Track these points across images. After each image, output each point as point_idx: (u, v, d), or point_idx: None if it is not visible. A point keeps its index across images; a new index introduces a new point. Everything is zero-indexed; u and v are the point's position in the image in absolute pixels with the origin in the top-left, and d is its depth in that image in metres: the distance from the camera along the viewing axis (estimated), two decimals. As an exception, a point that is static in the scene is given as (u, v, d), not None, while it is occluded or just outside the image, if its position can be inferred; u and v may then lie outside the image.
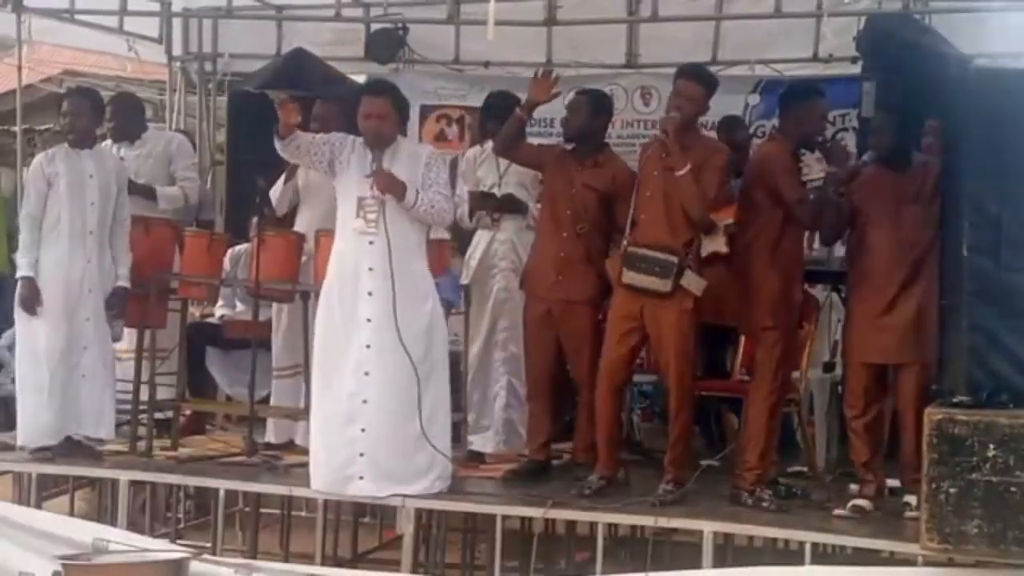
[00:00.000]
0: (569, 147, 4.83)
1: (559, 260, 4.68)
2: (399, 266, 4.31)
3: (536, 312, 4.77)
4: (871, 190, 4.45)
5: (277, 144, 4.44)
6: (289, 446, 5.20)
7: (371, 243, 4.34)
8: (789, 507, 4.42)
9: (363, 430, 4.30)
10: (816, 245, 5.42)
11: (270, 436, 5.32)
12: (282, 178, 5.32)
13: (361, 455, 4.31)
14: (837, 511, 4.32)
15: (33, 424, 4.84)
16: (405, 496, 4.33)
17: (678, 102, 4.44)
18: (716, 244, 5.25)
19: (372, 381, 4.31)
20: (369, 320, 4.32)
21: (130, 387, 5.12)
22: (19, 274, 4.88)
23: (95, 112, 5.06)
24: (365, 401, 4.30)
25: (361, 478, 4.33)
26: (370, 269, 4.33)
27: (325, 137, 4.46)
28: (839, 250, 5.77)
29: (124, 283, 5.00)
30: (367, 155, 4.39)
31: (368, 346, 4.31)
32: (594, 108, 4.80)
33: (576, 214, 4.68)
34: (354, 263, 4.37)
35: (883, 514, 4.32)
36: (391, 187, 4.32)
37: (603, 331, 4.60)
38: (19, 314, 4.90)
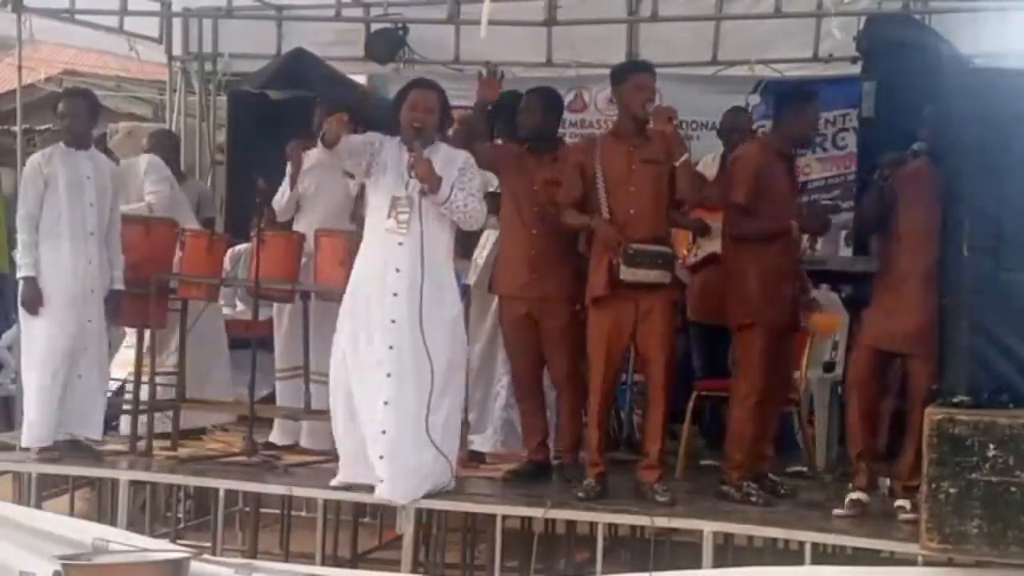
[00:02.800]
0: (524, 146, 4.85)
1: (531, 258, 4.67)
2: (428, 268, 4.27)
3: (514, 313, 4.76)
4: (912, 180, 4.40)
5: (320, 153, 4.40)
6: (293, 448, 5.19)
7: (400, 244, 4.30)
8: (776, 502, 4.44)
9: (384, 432, 4.26)
10: (818, 245, 5.42)
11: (275, 437, 5.31)
12: (284, 184, 5.30)
13: (381, 458, 4.27)
14: (836, 511, 4.32)
15: (38, 425, 4.84)
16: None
17: (650, 95, 4.47)
18: (714, 245, 5.26)
19: (393, 383, 4.26)
20: (394, 321, 4.27)
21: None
22: (20, 274, 4.87)
23: (92, 113, 5.04)
24: (386, 403, 4.26)
25: (381, 481, 4.29)
26: (397, 270, 4.29)
27: (364, 138, 4.41)
28: (843, 250, 5.79)
29: (119, 285, 4.99)
30: (403, 153, 4.36)
31: (391, 347, 4.27)
32: (546, 107, 4.86)
33: (542, 210, 4.68)
34: (382, 264, 4.32)
35: (882, 514, 4.31)
36: (429, 175, 4.28)
37: (580, 327, 4.59)
38: (24, 315, 4.89)
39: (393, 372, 4.27)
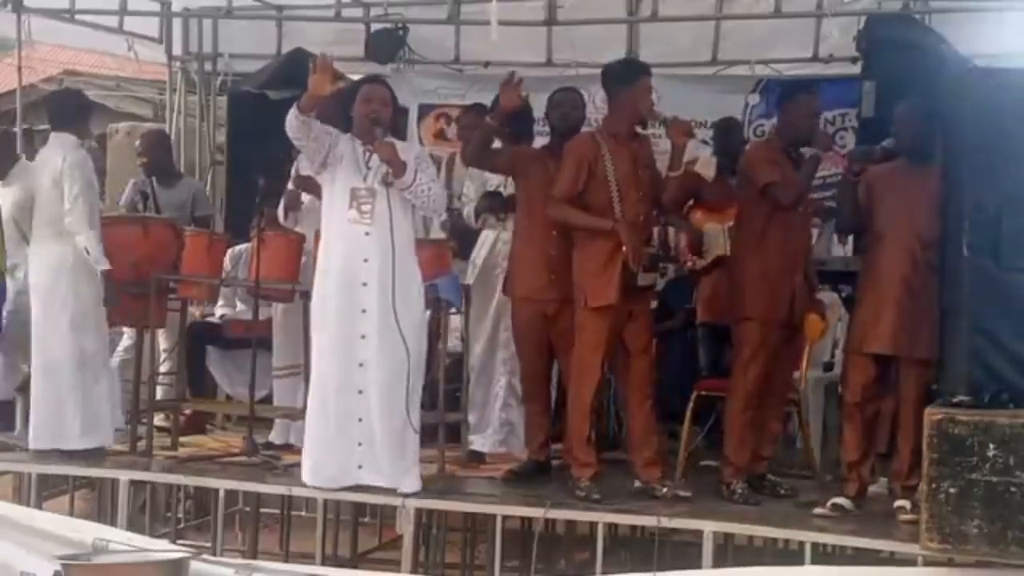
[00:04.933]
0: (540, 146, 4.83)
1: (551, 259, 4.66)
2: (398, 255, 4.28)
3: (528, 313, 4.75)
4: (888, 180, 4.41)
5: (292, 119, 4.21)
6: (291, 447, 5.18)
7: (367, 234, 4.30)
8: (766, 501, 4.43)
9: (360, 420, 4.30)
10: (814, 240, 5.40)
11: (273, 436, 5.31)
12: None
13: (360, 445, 4.31)
14: (817, 509, 4.32)
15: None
16: (404, 496, 4.32)
17: (653, 98, 4.47)
18: (720, 247, 5.25)
19: (368, 372, 4.30)
20: (365, 311, 4.30)
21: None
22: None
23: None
24: (361, 392, 4.30)
25: (360, 467, 4.33)
26: (365, 260, 4.30)
27: (324, 128, 4.39)
28: (838, 249, 5.77)
29: (99, 266, 4.83)
30: (359, 146, 4.37)
31: (363, 336, 4.30)
32: (584, 105, 4.91)
33: None
34: (347, 255, 4.33)
35: (882, 514, 4.30)
36: (393, 158, 4.27)
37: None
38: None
39: (366, 361, 4.30)
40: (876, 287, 4.37)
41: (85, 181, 4.82)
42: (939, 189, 4.24)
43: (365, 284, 4.30)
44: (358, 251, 4.31)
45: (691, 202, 5.38)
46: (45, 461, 4.84)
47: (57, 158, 4.82)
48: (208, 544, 4.85)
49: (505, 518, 4.42)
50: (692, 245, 5.35)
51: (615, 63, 4.81)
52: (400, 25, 7.11)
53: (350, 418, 4.31)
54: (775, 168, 4.50)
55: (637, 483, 4.49)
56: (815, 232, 5.15)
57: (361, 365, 4.30)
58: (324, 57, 4.23)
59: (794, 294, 4.56)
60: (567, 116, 4.79)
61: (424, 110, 7.19)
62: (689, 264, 5.41)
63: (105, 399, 4.93)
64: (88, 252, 4.75)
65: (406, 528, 4.30)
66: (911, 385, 4.31)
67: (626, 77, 4.53)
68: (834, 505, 4.32)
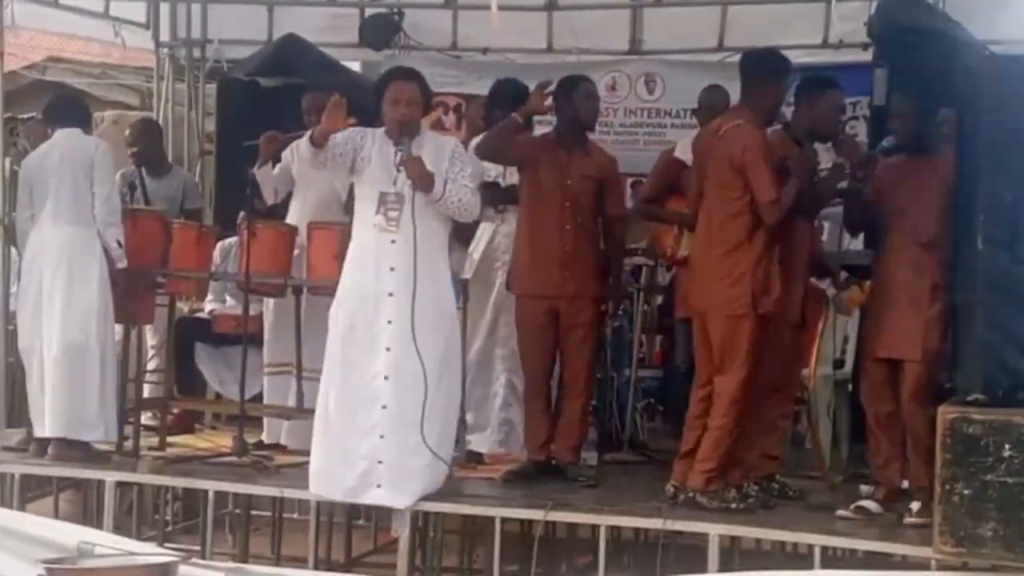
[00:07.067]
0: (549, 135, 4.74)
1: (565, 255, 4.59)
2: (422, 266, 4.16)
3: (536, 311, 4.66)
4: (892, 178, 4.35)
5: (305, 152, 4.23)
6: (281, 447, 5.11)
7: (393, 241, 4.19)
8: (774, 504, 4.33)
9: (382, 437, 4.18)
10: (824, 237, 5.29)
11: (265, 436, 5.22)
12: (266, 167, 5.14)
13: (380, 463, 4.19)
14: (840, 512, 4.24)
15: None
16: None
17: None
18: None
19: (390, 386, 4.18)
20: (390, 322, 4.18)
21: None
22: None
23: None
24: (384, 407, 4.18)
25: (379, 486, 4.21)
26: (392, 269, 4.19)
27: (345, 135, 4.27)
28: (847, 241, 5.65)
29: (120, 263, 4.86)
30: (389, 147, 4.25)
31: (388, 349, 4.18)
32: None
33: (576, 205, 4.61)
34: (375, 262, 4.22)
35: (895, 517, 4.21)
36: (421, 175, 4.17)
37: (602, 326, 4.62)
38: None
39: (391, 375, 4.19)
40: (878, 290, 4.33)
41: (114, 177, 4.98)
42: (941, 183, 4.16)
43: (391, 294, 4.19)
44: (385, 259, 4.20)
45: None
46: (66, 457, 4.72)
47: (89, 147, 4.92)
48: (197, 547, 4.80)
49: (504, 520, 4.35)
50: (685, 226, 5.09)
51: (762, 52, 4.57)
52: (395, 10, 7.03)
53: (372, 434, 4.18)
54: (802, 176, 4.33)
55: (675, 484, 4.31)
56: (826, 225, 5.03)
57: (386, 378, 4.18)
58: (337, 99, 4.18)
59: (805, 294, 4.48)
60: (597, 109, 4.78)
61: (420, 98, 7.08)
62: (668, 253, 5.24)
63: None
64: (120, 245, 4.82)
65: (402, 531, 4.25)
66: (910, 384, 4.21)
67: (774, 71, 4.35)
68: (858, 507, 4.23)
